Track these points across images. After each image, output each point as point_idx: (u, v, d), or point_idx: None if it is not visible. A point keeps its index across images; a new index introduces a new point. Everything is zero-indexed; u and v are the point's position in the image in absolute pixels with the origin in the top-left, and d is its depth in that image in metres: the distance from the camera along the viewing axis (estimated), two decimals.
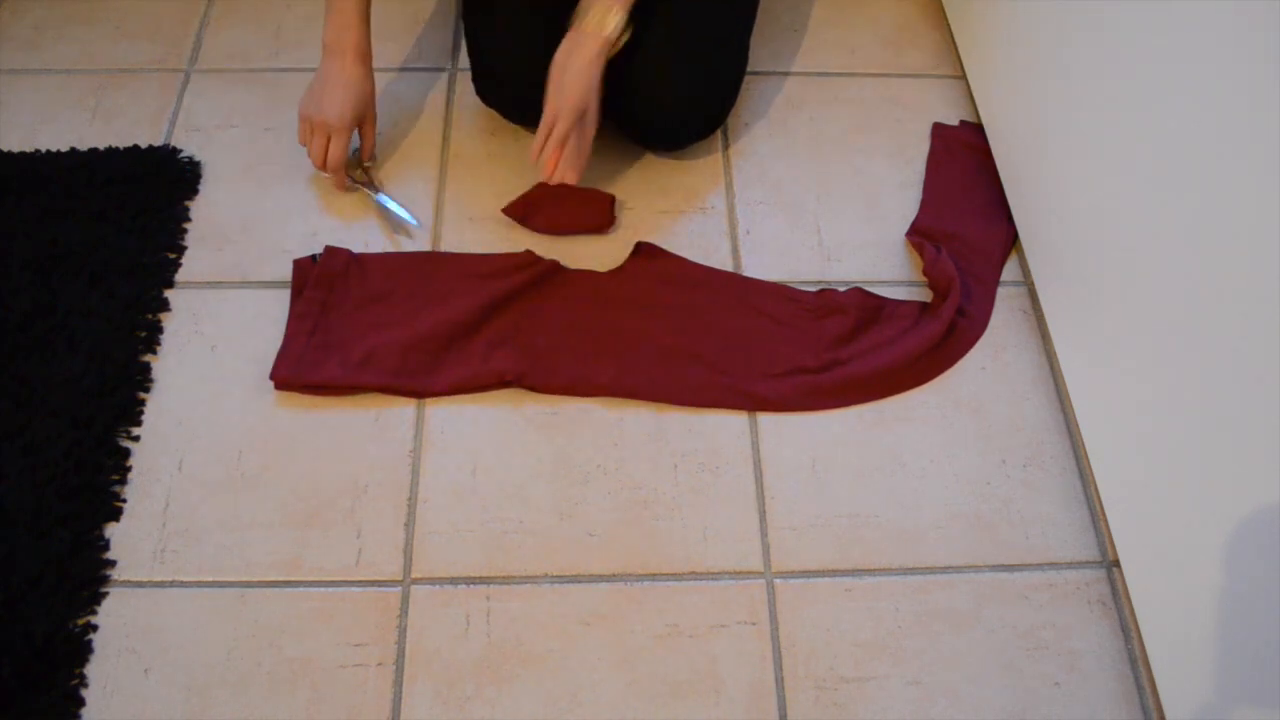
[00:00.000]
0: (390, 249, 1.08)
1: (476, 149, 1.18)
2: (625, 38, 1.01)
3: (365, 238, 1.09)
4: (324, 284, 1.03)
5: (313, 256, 1.05)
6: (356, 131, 1.08)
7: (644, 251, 1.08)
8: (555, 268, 1.06)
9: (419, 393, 0.98)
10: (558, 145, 1.00)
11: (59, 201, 1.08)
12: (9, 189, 1.09)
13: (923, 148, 1.20)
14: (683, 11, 1.04)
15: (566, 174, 1.03)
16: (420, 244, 1.09)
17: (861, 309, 1.05)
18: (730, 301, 1.05)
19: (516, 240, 1.10)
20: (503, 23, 1.06)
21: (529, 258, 1.07)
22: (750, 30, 1.14)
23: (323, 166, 1.07)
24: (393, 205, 1.10)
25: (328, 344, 0.99)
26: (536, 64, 1.03)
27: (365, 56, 1.05)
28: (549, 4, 1.04)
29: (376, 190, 1.11)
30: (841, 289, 1.07)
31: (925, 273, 1.08)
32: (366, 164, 1.13)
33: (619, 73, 1.03)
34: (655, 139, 1.15)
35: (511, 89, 1.11)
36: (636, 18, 1.02)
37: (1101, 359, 0.94)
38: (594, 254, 1.08)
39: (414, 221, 1.09)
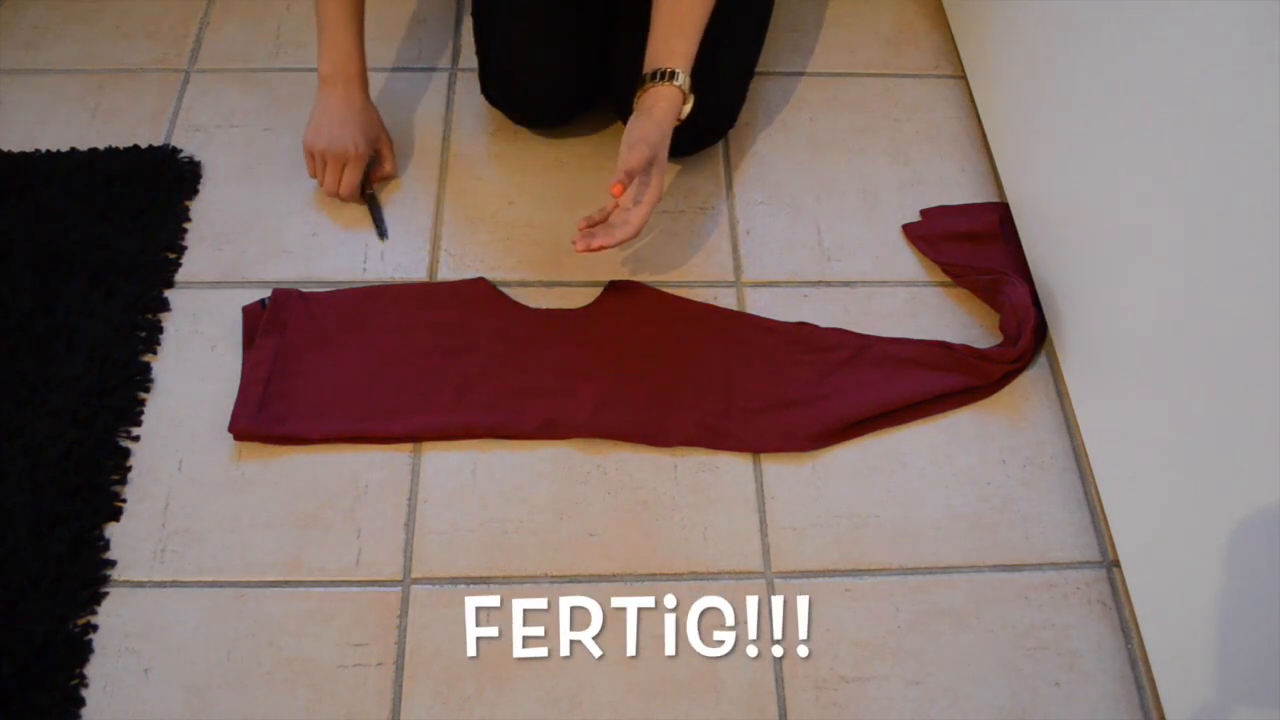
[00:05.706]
0: (391, 249, 1.09)
1: (477, 149, 1.18)
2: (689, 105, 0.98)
3: (365, 239, 1.09)
4: (275, 329, 1.00)
5: (261, 301, 1.02)
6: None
7: (617, 287, 1.06)
8: (510, 303, 1.04)
9: (383, 438, 0.95)
10: (626, 176, 0.94)
11: (59, 201, 1.08)
12: (9, 189, 1.09)
13: (923, 148, 1.20)
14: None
15: (639, 209, 0.97)
16: (419, 246, 1.09)
17: (841, 347, 1.02)
18: (706, 336, 1.03)
19: (515, 240, 1.10)
20: (518, 21, 1.06)
21: (484, 288, 1.05)
22: (761, 44, 1.14)
23: (336, 193, 1.08)
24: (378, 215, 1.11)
25: (284, 392, 0.96)
26: (551, 61, 1.03)
27: (366, 84, 1.07)
28: (564, 3, 1.04)
29: (379, 206, 1.12)
30: (837, 285, 1.08)
31: (996, 306, 1.04)
32: (375, 186, 1.12)
33: (625, 78, 1.03)
34: None
35: (521, 88, 1.10)
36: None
37: (1101, 358, 0.94)
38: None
39: (383, 236, 1.09)
